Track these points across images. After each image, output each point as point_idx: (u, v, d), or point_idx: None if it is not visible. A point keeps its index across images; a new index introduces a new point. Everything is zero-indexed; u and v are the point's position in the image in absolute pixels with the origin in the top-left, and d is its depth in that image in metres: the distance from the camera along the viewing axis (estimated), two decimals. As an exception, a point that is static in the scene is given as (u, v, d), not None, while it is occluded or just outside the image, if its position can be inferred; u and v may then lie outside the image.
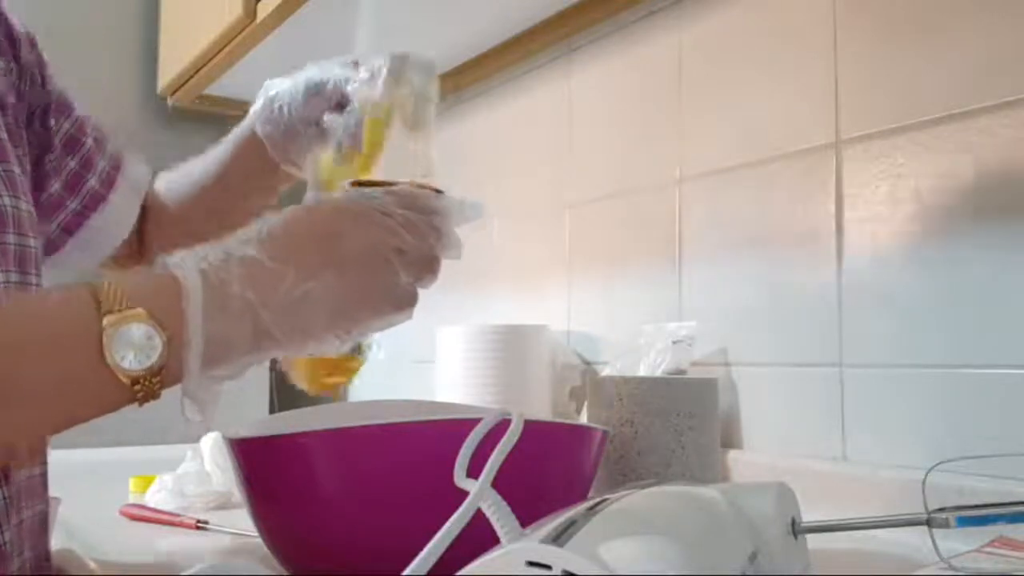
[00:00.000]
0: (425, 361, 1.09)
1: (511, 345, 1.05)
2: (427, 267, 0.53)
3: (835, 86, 0.84)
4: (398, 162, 0.66)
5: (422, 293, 0.54)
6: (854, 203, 0.82)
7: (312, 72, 0.73)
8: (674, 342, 0.90)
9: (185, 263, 0.46)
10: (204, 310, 0.44)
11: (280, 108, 0.73)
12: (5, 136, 0.64)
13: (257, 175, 0.77)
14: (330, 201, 0.52)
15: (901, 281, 0.77)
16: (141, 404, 0.45)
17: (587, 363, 1.12)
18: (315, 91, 0.72)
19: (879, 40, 0.81)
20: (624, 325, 1.05)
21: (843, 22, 0.84)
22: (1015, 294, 0.69)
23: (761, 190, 0.91)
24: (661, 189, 1.03)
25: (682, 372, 0.88)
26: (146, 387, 0.44)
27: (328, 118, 0.71)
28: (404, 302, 0.52)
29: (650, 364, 0.90)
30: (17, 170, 0.63)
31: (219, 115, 1.57)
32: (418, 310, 0.53)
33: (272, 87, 0.74)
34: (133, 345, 0.43)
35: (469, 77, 1.35)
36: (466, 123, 1.42)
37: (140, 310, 0.43)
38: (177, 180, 0.82)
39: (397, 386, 1.42)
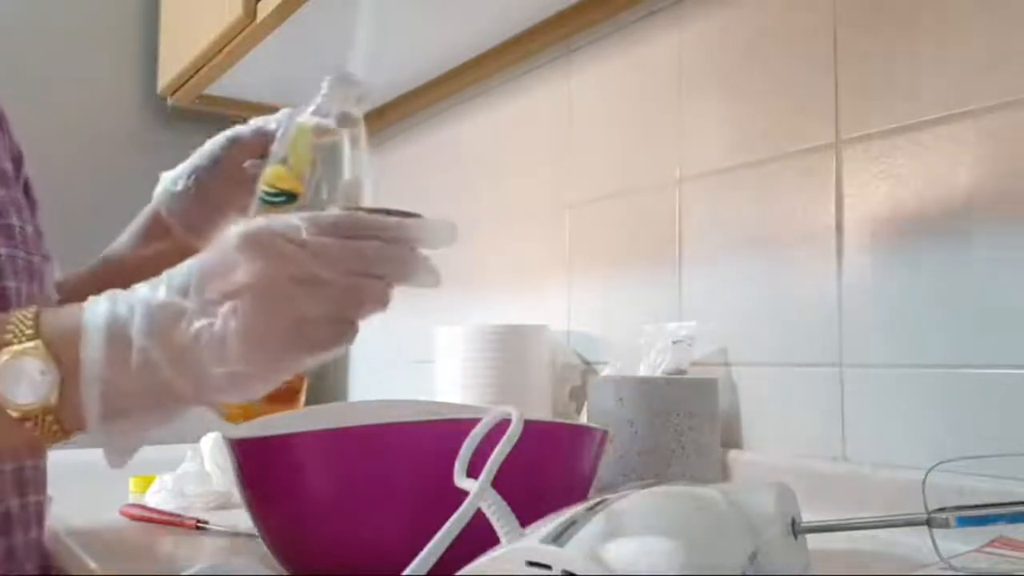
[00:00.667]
0: (424, 361, 1.09)
1: (511, 345, 1.05)
2: (352, 298, 0.45)
3: (835, 86, 0.84)
4: (328, 179, 0.64)
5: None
6: (854, 203, 0.82)
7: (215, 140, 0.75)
8: (674, 342, 0.90)
9: (96, 306, 0.44)
10: (104, 357, 0.42)
11: (189, 179, 0.75)
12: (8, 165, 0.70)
13: (156, 259, 0.76)
14: (236, 230, 0.46)
15: (901, 281, 0.77)
16: (48, 444, 0.44)
17: (587, 363, 1.12)
18: (228, 146, 0.75)
19: (879, 40, 0.81)
20: (624, 325, 1.05)
21: (843, 22, 0.84)
22: (1015, 294, 0.69)
23: (761, 190, 0.91)
24: (661, 189, 1.03)
25: (682, 372, 0.88)
26: (42, 425, 0.42)
27: (251, 161, 0.72)
28: (322, 339, 0.44)
29: (650, 364, 0.90)
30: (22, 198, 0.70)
31: (219, 115, 1.57)
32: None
33: (168, 175, 0.77)
34: (23, 378, 0.42)
35: (469, 77, 1.35)
36: (466, 123, 1.42)
37: (39, 343, 0.42)
38: (75, 272, 0.83)
39: (397, 386, 1.42)
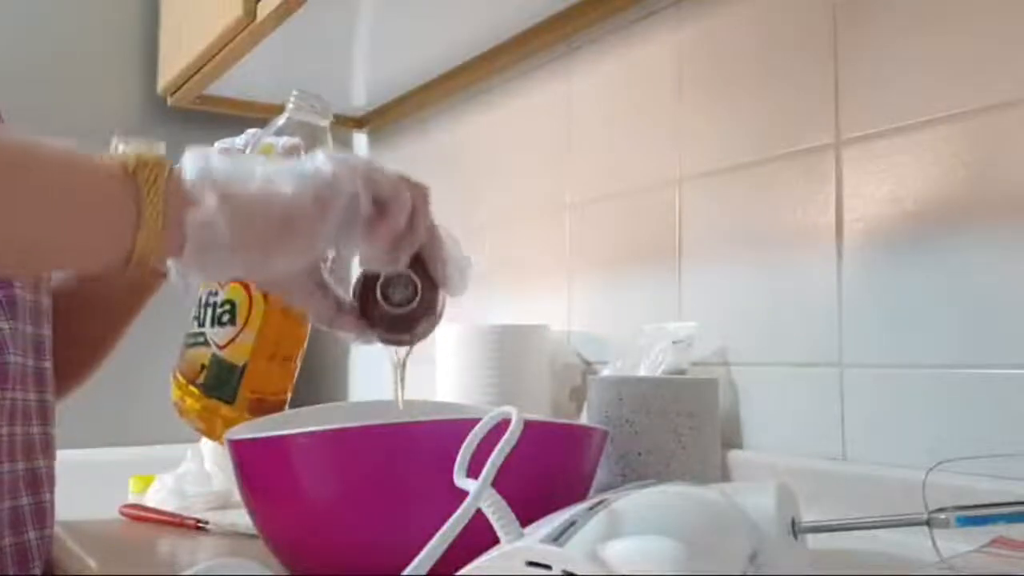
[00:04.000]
0: (425, 361, 1.09)
1: (511, 345, 1.05)
2: (408, 245, 0.55)
3: (835, 86, 0.84)
4: None
5: None
6: (854, 203, 0.82)
7: None
8: (674, 342, 0.90)
9: (186, 160, 0.50)
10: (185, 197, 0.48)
11: None
12: None
13: (120, 284, 0.82)
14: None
15: (901, 281, 0.77)
16: (145, 268, 0.47)
17: (587, 363, 1.12)
18: None
19: (879, 40, 0.81)
20: (624, 325, 1.05)
21: (843, 22, 0.84)
22: (1015, 294, 0.69)
23: (761, 190, 0.91)
24: (661, 189, 1.03)
25: (682, 372, 0.88)
26: (143, 180, 0.47)
27: None
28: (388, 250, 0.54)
29: (650, 364, 0.90)
30: None
31: (219, 115, 1.57)
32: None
33: None
34: (136, 147, 0.48)
35: (469, 77, 1.35)
36: (466, 123, 1.42)
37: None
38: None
39: (397, 386, 1.42)
